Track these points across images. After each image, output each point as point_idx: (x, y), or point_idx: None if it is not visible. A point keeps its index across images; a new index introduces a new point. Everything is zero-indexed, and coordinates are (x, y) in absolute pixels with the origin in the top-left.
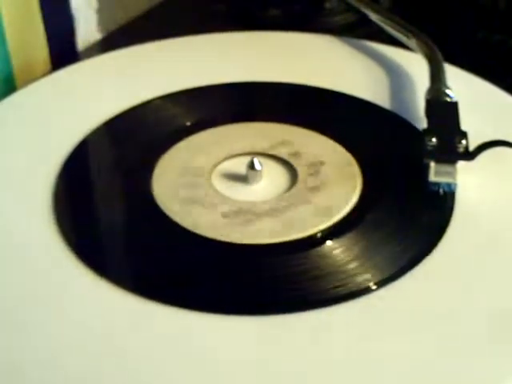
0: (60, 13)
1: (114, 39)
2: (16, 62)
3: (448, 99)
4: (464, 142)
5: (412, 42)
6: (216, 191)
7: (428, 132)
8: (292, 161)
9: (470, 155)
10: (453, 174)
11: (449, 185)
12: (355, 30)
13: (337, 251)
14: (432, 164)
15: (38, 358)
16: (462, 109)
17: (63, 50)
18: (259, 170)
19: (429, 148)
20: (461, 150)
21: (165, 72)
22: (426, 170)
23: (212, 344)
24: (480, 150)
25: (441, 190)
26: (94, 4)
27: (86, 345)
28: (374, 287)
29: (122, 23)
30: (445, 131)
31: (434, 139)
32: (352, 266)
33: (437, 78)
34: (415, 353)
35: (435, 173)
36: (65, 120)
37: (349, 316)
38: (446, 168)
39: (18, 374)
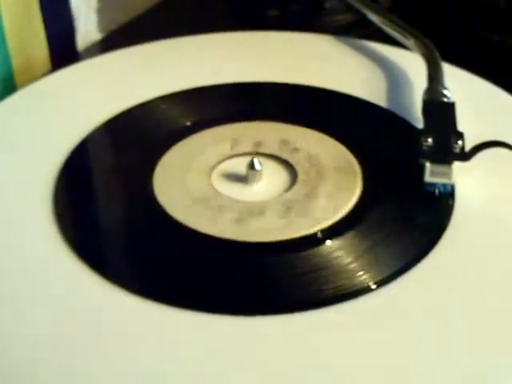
0: (60, 13)
1: (114, 39)
2: (16, 62)
3: (445, 99)
4: (460, 142)
5: (411, 43)
6: (216, 191)
7: (424, 132)
8: (292, 161)
9: (465, 156)
10: (448, 175)
11: (444, 185)
12: (355, 30)
13: (337, 251)
14: (428, 164)
15: (38, 357)
16: (461, 108)
17: (63, 50)
18: (259, 170)
19: (425, 148)
20: (457, 150)
21: (165, 72)
22: (422, 170)
23: (212, 344)
24: (476, 150)
25: (436, 191)
26: (94, 4)
27: (85, 344)
28: (373, 287)
29: (121, 23)
30: (441, 132)
31: (430, 139)
32: (352, 265)
33: (434, 78)
34: (415, 352)
35: (431, 173)
36: (65, 120)
37: (349, 316)
38: (441, 168)
39: (15, 374)
